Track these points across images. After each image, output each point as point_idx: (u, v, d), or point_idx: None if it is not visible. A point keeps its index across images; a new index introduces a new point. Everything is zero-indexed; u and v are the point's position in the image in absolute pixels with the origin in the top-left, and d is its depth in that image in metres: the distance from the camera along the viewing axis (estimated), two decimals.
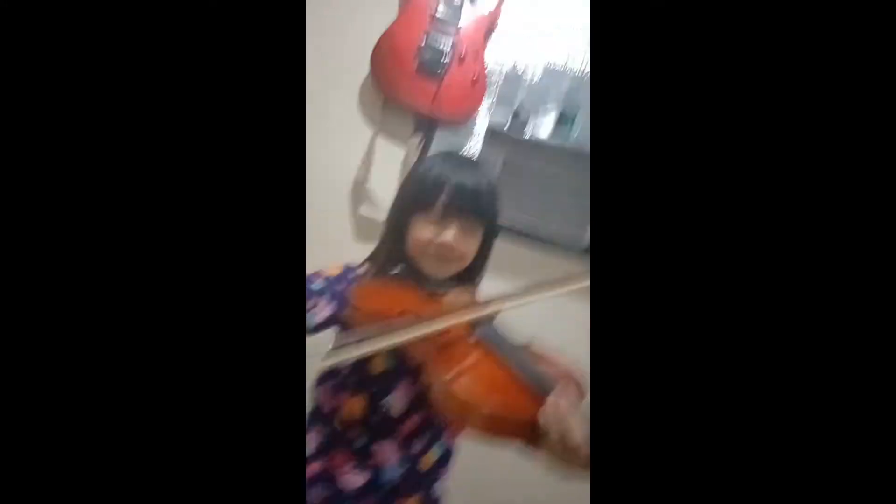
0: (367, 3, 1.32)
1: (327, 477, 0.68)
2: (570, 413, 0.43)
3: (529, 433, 0.45)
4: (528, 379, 0.49)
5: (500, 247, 0.79)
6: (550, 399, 0.44)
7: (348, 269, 0.75)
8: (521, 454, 0.56)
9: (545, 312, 1.44)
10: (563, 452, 0.43)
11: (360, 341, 0.52)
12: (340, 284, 0.71)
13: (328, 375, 0.72)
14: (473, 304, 0.59)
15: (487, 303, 0.59)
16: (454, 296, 0.66)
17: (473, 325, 0.60)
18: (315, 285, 0.69)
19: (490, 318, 0.67)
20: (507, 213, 1.40)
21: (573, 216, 1.45)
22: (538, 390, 0.46)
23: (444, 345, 0.54)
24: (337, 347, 0.52)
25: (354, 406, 0.68)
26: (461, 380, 0.48)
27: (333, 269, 0.74)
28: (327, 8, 1.30)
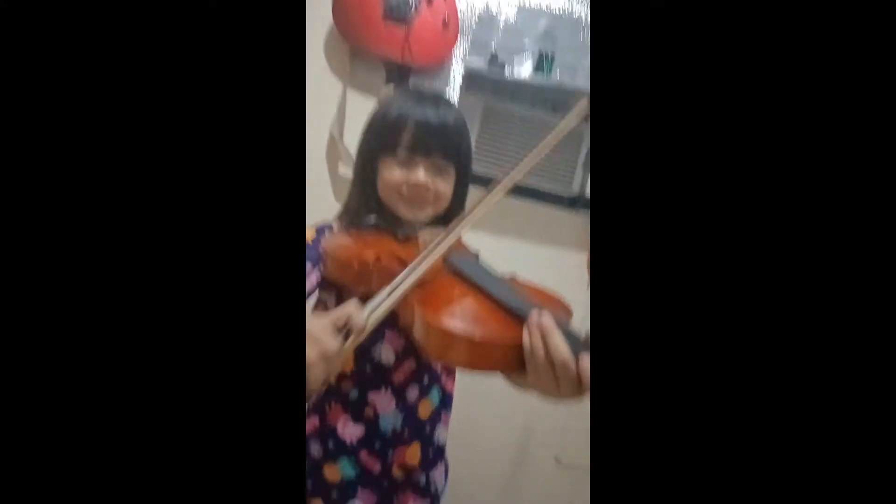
0: None
1: (326, 431, 0.66)
2: (554, 328, 0.40)
3: (515, 358, 0.42)
4: (510, 306, 0.46)
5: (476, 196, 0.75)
6: (533, 314, 0.41)
7: (322, 229, 0.70)
8: (518, 393, 0.54)
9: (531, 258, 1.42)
10: (551, 371, 0.40)
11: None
12: (319, 246, 0.66)
13: None
14: (448, 232, 0.54)
15: (459, 221, 0.55)
16: (429, 232, 0.62)
17: (452, 261, 0.56)
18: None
19: (474, 255, 0.63)
20: (490, 163, 1.37)
21: (559, 161, 1.41)
22: (521, 316, 0.43)
23: (422, 282, 0.51)
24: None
25: (345, 359, 0.65)
26: (442, 312, 0.45)
27: (309, 234, 0.68)
28: None
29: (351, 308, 0.45)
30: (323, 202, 1.29)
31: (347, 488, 0.66)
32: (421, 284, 0.50)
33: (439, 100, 0.66)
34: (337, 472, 0.66)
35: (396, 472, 0.67)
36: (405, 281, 0.49)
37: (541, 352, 0.40)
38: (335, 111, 1.26)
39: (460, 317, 0.45)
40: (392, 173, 0.64)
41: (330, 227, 0.69)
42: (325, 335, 0.43)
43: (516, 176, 0.55)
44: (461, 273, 0.54)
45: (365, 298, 0.48)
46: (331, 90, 1.27)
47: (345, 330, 0.44)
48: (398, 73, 1.25)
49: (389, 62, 1.24)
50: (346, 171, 1.29)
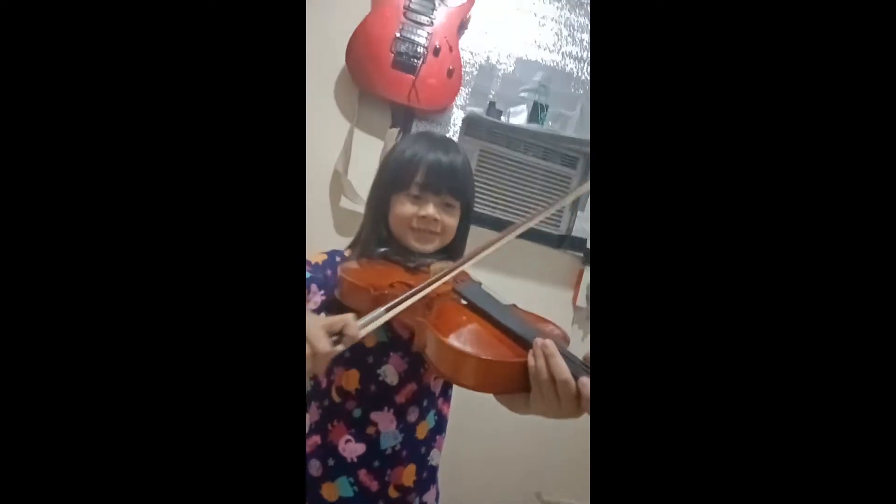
0: None
1: (328, 448, 0.69)
2: (556, 352, 0.45)
3: (519, 378, 0.47)
4: (515, 331, 0.51)
5: (478, 233, 0.82)
6: (538, 340, 0.46)
7: (334, 254, 0.76)
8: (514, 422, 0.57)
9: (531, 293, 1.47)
10: (553, 390, 0.45)
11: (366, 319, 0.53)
12: (328, 270, 0.71)
13: None
14: (459, 264, 0.60)
15: (471, 256, 0.61)
16: (440, 264, 0.68)
17: (461, 290, 0.62)
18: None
19: (478, 284, 0.69)
20: (486, 201, 1.45)
21: (549, 202, 1.49)
22: (526, 339, 0.48)
23: (437, 309, 0.56)
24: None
25: (350, 378, 0.69)
26: (454, 335, 0.50)
27: (318, 257, 0.74)
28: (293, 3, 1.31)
29: (348, 318, 0.50)
30: (325, 233, 1.34)
31: None
32: (433, 310, 0.55)
33: (449, 144, 0.74)
34: (335, 491, 0.68)
35: (392, 493, 0.70)
36: (402, 303, 0.54)
37: (544, 372, 0.45)
38: (341, 148, 1.33)
39: (470, 339, 0.50)
40: (404, 208, 0.70)
41: (342, 254, 0.75)
42: (319, 336, 0.47)
43: (531, 223, 0.62)
44: (469, 301, 0.59)
45: None
46: (338, 129, 1.34)
47: (337, 336, 0.49)
48: (403, 117, 1.34)
49: (395, 106, 1.33)
50: (348, 203, 1.35)
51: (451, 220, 0.73)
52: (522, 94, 1.45)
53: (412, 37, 1.30)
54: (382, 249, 0.72)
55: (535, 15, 1.45)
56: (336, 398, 0.69)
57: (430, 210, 0.70)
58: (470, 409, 0.96)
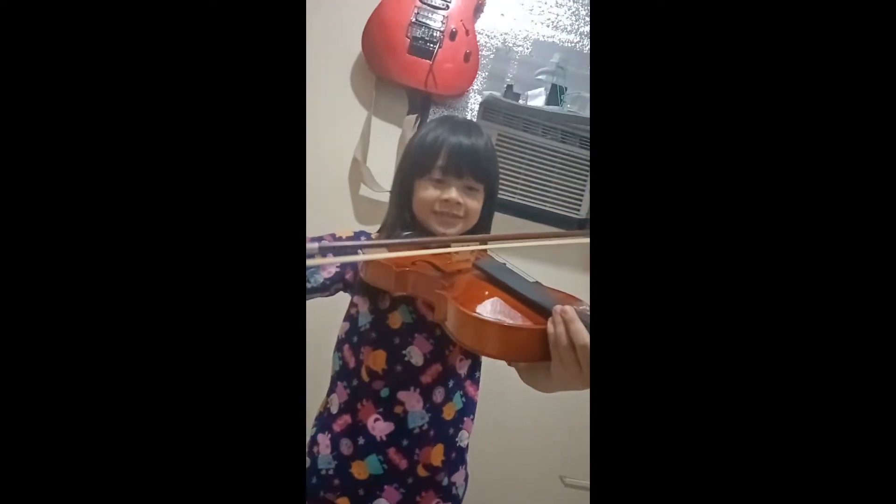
0: None
1: (357, 427, 0.70)
2: (576, 317, 0.45)
3: (540, 346, 0.47)
4: (535, 300, 0.51)
5: (497, 217, 0.82)
6: (557, 307, 0.46)
7: (360, 234, 0.77)
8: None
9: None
10: (573, 356, 0.45)
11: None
12: (356, 251, 0.72)
13: (349, 334, 0.74)
14: (481, 237, 0.61)
15: (498, 238, 0.61)
16: (462, 245, 0.68)
17: (481, 265, 0.62)
18: (324, 242, 0.70)
19: (502, 262, 0.69)
20: (504, 186, 1.44)
21: (568, 187, 1.48)
22: (546, 307, 0.48)
23: (459, 283, 0.56)
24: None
25: (377, 358, 0.70)
26: (474, 305, 0.50)
27: (345, 233, 0.75)
28: None
29: None
30: (346, 221, 1.35)
31: (374, 485, 0.70)
32: (454, 284, 0.56)
33: (472, 127, 0.74)
34: (364, 469, 0.70)
35: (421, 472, 0.71)
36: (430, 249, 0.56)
37: (564, 338, 0.45)
38: (359, 136, 1.34)
39: (490, 308, 0.50)
40: (427, 192, 0.71)
41: (368, 236, 0.75)
42: None
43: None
44: (490, 276, 0.59)
45: (401, 302, 0.53)
46: (356, 117, 1.35)
47: None
48: (421, 103, 1.33)
49: (412, 92, 1.32)
50: (368, 191, 1.36)
51: (475, 204, 0.73)
52: (540, 77, 1.43)
53: (428, 21, 1.29)
54: (407, 233, 0.72)
55: None
56: (365, 378, 0.70)
57: (453, 194, 0.70)
58: (495, 391, 0.96)
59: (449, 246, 0.69)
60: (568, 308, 0.46)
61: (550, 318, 0.47)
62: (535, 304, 0.51)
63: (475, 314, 0.48)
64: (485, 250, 0.70)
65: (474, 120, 1.40)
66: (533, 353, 0.48)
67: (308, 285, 0.69)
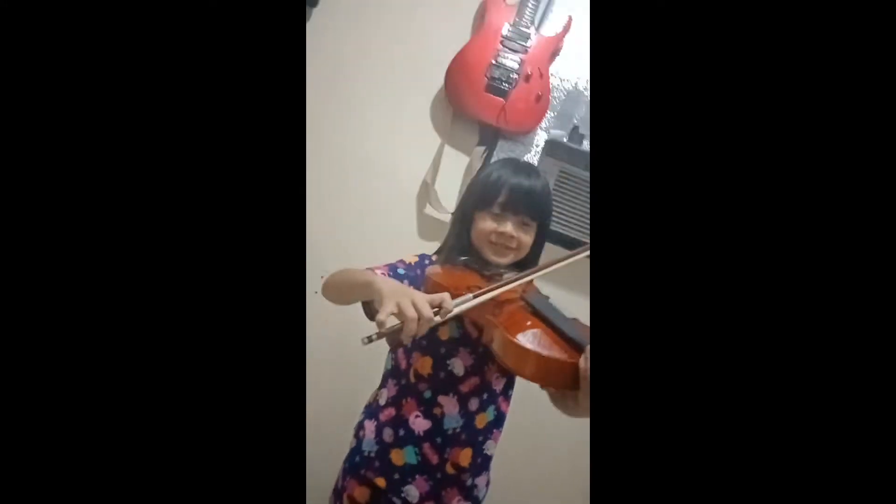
0: (443, 24, 1.48)
1: (400, 420, 0.81)
2: None
3: (571, 377, 0.55)
4: (572, 336, 0.60)
5: (553, 250, 0.90)
6: (589, 346, 0.55)
7: (424, 257, 0.89)
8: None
9: None
10: None
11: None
12: (418, 269, 0.84)
13: None
14: (529, 273, 0.71)
15: (541, 268, 0.70)
16: (511, 274, 0.78)
17: (527, 298, 0.72)
18: (400, 269, 0.83)
19: (546, 297, 0.78)
20: (561, 220, 1.51)
21: None
22: (580, 344, 0.57)
23: (506, 312, 0.66)
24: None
25: (425, 364, 0.81)
26: (519, 334, 0.60)
27: (411, 258, 0.87)
28: (405, 29, 1.47)
29: (445, 296, 0.61)
30: (410, 237, 1.49)
31: (407, 473, 0.80)
32: (502, 312, 0.66)
33: (531, 170, 0.84)
34: (402, 457, 0.80)
35: (449, 469, 0.81)
36: (485, 294, 0.65)
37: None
38: (431, 162, 1.47)
39: (532, 338, 0.60)
40: (486, 224, 0.81)
41: (430, 258, 0.87)
42: (425, 305, 0.58)
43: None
44: (535, 308, 0.69)
45: (452, 318, 0.64)
46: (430, 144, 1.48)
47: (437, 308, 0.60)
48: (490, 136, 1.45)
49: (484, 126, 1.44)
50: (432, 211, 1.49)
51: (527, 238, 0.82)
52: None
53: (506, 62, 1.41)
54: (463, 258, 0.83)
55: None
56: (412, 379, 0.82)
57: (509, 228, 0.80)
58: (524, 409, 1.04)
59: (501, 276, 0.79)
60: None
61: (583, 354, 0.55)
62: (571, 340, 0.60)
63: (518, 342, 0.58)
64: (531, 282, 0.80)
65: (540, 155, 1.50)
66: (564, 382, 0.57)
67: None
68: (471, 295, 0.65)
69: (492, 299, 0.69)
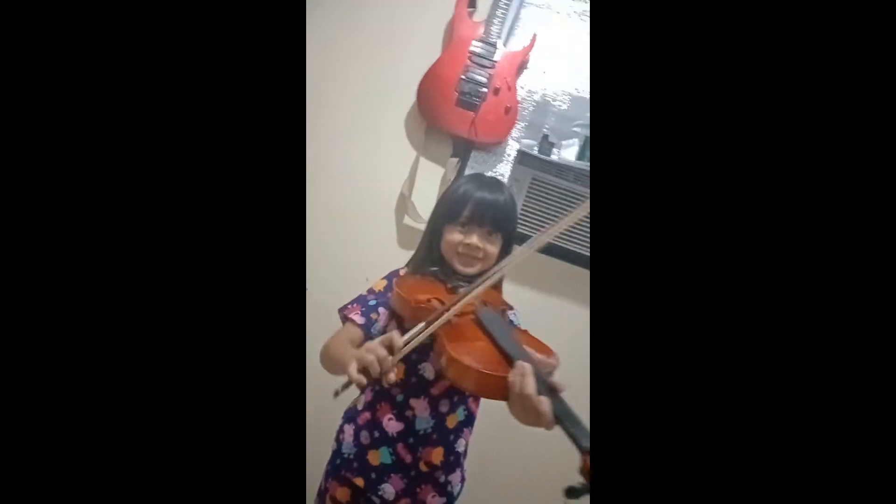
0: (413, 43, 1.54)
1: (375, 423, 0.87)
2: (530, 373, 0.58)
3: (505, 390, 0.61)
4: (508, 353, 0.65)
5: (525, 257, 0.95)
6: (519, 362, 0.61)
7: (391, 276, 0.94)
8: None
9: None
10: (521, 402, 0.58)
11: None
12: (388, 292, 0.90)
13: None
14: (474, 286, 0.77)
15: (483, 280, 0.76)
16: (466, 288, 0.84)
17: (478, 313, 0.77)
18: (371, 301, 0.89)
19: (499, 311, 0.83)
20: (534, 225, 1.58)
21: (581, 223, 1.59)
22: (514, 359, 0.63)
23: (455, 326, 0.73)
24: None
25: (398, 370, 0.86)
26: (461, 349, 0.66)
27: (379, 284, 0.93)
28: (379, 44, 1.54)
29: (393, 335, 0.68)
30: (389, 246, 1.55)
31: (383, 472, 0.86)
32: (452, 327, 0.72)
33: (495, 185, 0.90)
34: (377, 457, 0.86)
35: (423, 467, 0.86)
36: (435, 322, 0.71)
37: (517, 387, 0.59)
38: (408, 174, 1.53)
39: (472, 354, 0.66)
40: (453, 236, 0.87)
41: (397, 273, 0.93)
42: (378, 349, 0.66)
43: (533, 246, 0.77)
44: (482, 324, 0.75)
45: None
46: (406, 157, 1.54)
47: (389, 348, 0.67)
48: (463, 148, 1.51)
49: (457, 139, 1.50)
50: (410, 221, 1.54)
51: (493, 248, 0.88)
52: (575, 129, 1.58)
53: (475, 77, 1.47)
54: (433, 269, 0.89)
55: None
56: (384, 384, 0.87)
57: (474, 239, 0.86)
58: (499, 406, 1.10)
59: (459, 287, 0.84)
60: (527, 365, 0.60)
61: (513, 370, 0.61)
62: (507, 355, 0.66)
63: (458, 357, 0.64)
64: (495, 294, 0.85)
65: (513, 164, 1.56)
66: (500, 394, 0.62)
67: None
68: (423, 324, 0.71)
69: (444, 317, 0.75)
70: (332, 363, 0.81)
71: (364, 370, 0.66)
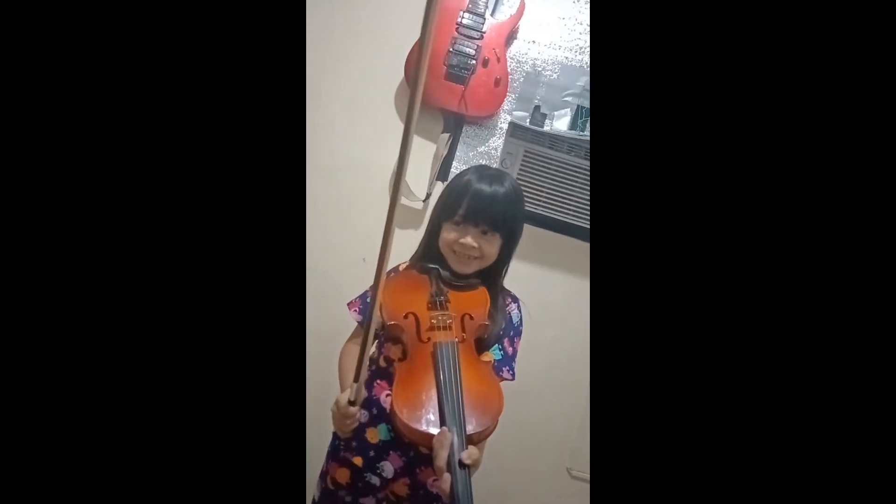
0: (399, 14, 1.50)
1: (373, 400, 0.88)
2: (444, 447, 0.62)
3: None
4: (442, 411, 0.67)
5: (527, 229, 0.93)
6: (441, 431, 0.64)
7: (392, 271, 0.93)
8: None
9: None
10: (434, 466, 0.63)
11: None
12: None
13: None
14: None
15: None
16: (475, 280, 0.87)
17: (438, 348, 0.74)
18: (369, 297, 0.87)
19: (454, 344, 0.77)
20: (529, 199, 1.56)
21: (581, 196, 1.58)
22: (444, 418, 0.65)
23: (413, 358, 0.76)
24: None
25: (395, 350, 0.87)
26: (407, 396, 0.71)
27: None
28: (360, 21, 1.50)
29: (338, 398, 0.75)
30: (383, 222, 1.53)
31: (381, 450, 0.87)
32: (406, 360, 0.77)
33: (496, 177, 0.86)
34: (376, 434, 0.87)
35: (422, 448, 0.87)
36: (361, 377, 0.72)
37: (434, 451, 0.63)
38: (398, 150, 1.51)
39: (410, 405, 0.69)
40: (449, 234, 0.85)
41: (397, 269, 0.93)
42: (341, 403, 0.73)
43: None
44: (436, 364, 0.73)
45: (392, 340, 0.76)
46: (397, 134, 1.52)
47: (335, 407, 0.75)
48: (454, 123, 1.49)
49: (447, 113, 1.48)
50: (405, 200, 1.53)
51: (491, 248, 0.85)
52: (567, 99, 1.55)
53: (464, 49, 1.44)
54: (432, 266, 0.88)
55: (580, 23, 1.53)
56: (382, 363, 0.88)
57: (468, 239, 0.83)
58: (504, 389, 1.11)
59: (445, 303, 0.83)
60: (447, 435, 0.63)
61: (435, 436, 0.64)
62: (442, 413, 0.66)
63: (393, 408, 0.69)
64: (481, 303, 0.83)
65: (505, 137, 1.54)
66: (429, 447, 0.65)
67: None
68: (360, 383, 0.73)
69: (416, 334, 0.78)
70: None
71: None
